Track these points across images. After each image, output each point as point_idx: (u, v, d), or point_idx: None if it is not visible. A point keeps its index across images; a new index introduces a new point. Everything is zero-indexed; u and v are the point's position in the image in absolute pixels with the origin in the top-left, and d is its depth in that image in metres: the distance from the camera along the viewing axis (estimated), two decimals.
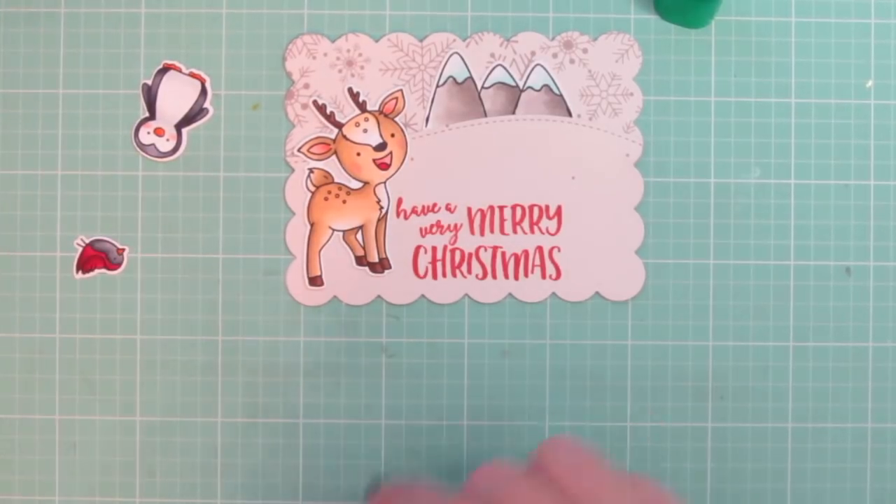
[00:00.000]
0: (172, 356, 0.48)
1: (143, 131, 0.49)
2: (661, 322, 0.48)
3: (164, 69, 0.49)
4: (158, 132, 0.49)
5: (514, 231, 0.48)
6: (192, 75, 0.49)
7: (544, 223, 0.48)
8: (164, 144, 0.49)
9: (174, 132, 0.49)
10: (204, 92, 0.49)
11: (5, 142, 0.49)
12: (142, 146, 0.49)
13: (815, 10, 0.49)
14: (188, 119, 0.49)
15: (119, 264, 0.48)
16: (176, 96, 0.49)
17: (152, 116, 0.49)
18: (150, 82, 0.49)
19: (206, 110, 0.49)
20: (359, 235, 0.48)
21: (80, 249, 0.48)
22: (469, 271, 0.48)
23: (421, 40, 0.49)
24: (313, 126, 0.48)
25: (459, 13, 0.49)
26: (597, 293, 0.48)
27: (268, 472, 0.48)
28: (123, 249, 0.48)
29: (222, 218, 0.48)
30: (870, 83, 0.49)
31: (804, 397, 0.48)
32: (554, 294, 0.48)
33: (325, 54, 0.48)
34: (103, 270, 0.48)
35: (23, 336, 0.48)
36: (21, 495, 0.48)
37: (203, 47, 0.49)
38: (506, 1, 0.49)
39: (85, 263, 0.48)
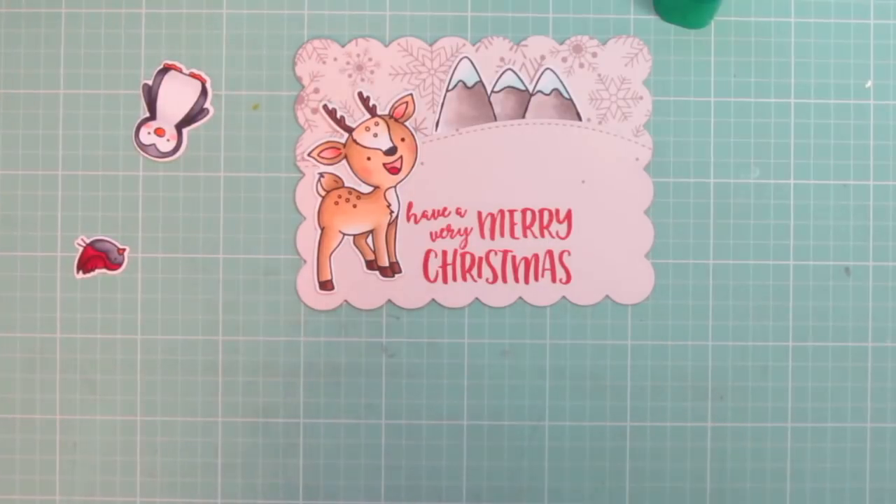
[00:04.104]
0: (173, 356, 0.48)
1: (143, 131, 0.49)
2: (660, 322, 0.48)
3: (165, 69, 0.49)
4: (159, 132, 0.49)
5: (525, 235, 0.48)
6: (193, 75, 0.49)
7: (554, 227, 0.48)
8: (165, 144, 0.49)
9: (175, 132, 0.49)
10: (204, 92, 0.49)
11: (6, 142, 0.49)
12: (142, 146, 0.49)
13: (815, 11, 0.49)
14: (189, 119, 0.49)
15: (120, 264, 0.48)
16: (176, 96, 0.49)
17: (153, 116, 0.49)
18: (150, 82, 0.49)
19: (207, 110, 0.49)
20: (369, 240, 0.48)
21: (81, 249, 0.48)
22: (479, 275, 0.48)
23: (431, 45, 0.49)
24: (323, 130, 0.48)
25: (469, 17, 0.49)
26: (607, 296, 0.48)
27: (268, 472, 0.48)
28: (124, 249, 0.49)
29: (223, 218, 0.48)
30: (869, 83, 0.49)
31: (803, 397, 0.48)
32: (564, 298, 0.48)
33: (335, 59, 0.49)
34: (104, 270, 0.48)
35: (24, 336, 0.48)
36: (22, 495, 0.48)
37: (203, 47, 0.49)
38: (515, 5, 0.49)
39: (86, 263, 0.48)
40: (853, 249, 0.49)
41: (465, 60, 0.48)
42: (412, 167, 0.48)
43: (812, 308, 0.48)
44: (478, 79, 0.49)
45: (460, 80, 0.48)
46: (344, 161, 0.48)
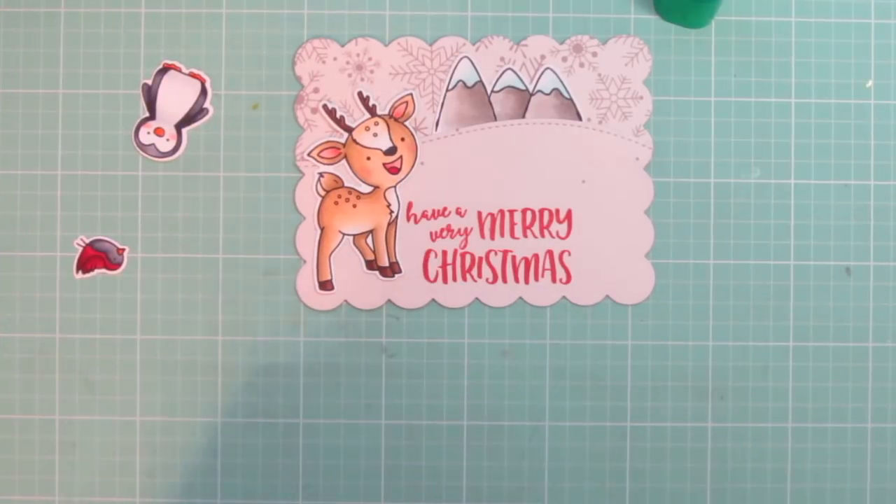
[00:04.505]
0: (172, 356, 0.48)
1: (143, 131, 0.49)
2: (661, 322, 0.48)
3: (164, 69, 0.49)
4: (158, 132, 0.49)
5: (525, 235, 0.48)
6: (192, 75, 0.49)
7: (554, 227, 0.48)
8: (164, 144, 0.49)
9: (174, 132, 0.49)
10: (204, 92, 0.49)
11: (5, 142, 0.49)
12: (142, 146, 0.49)
13: (815, 10, 0.49)
14: (188, 119, 0.49)
15: (119, 264, 0.48)
16: (176, 96, 0.49)
17: (152, 116, 0.49)
18: (150, 82, 0.49)
19: (206, 110, 0.49)
20: (369, 240, 0.48)
21: (81, 249, 0.48)
22: (479, 275, 0.48)
23: (431, 44, 0.49)
24: (323, 130, 0.48)
25: (469, 17, 0.49)
26: (607, 296, 0.48)
27: (268, 472, 0.48)
28: (123, 249, 0.48)
29: (222, 218, 0.48)
30: (870, 83, 0.49)
31: (804, 397, 0.48)
32: (564, 298, 0.48)
33: (335, 58, 0.48)
34: (103, 270, 0.48)
35: (23, 336, 0.48)
36: (21, 495, 0.48)
37: (203, 47, 0.49)
38: (515, 5, 0.49)
39: (85, 263, 0.48)
40: (854, 249, 0.49)
41: (465, 60, 0.48)
42: (412, 167, 0.48)
43: (813, 308, 0.48)
44: (478, 78, 0.48)
45: (460, 80, 0.48)
46: (344, 161, 0.48)
